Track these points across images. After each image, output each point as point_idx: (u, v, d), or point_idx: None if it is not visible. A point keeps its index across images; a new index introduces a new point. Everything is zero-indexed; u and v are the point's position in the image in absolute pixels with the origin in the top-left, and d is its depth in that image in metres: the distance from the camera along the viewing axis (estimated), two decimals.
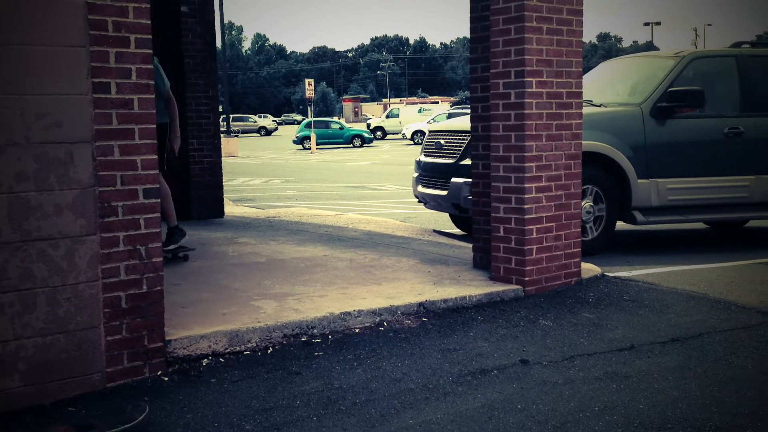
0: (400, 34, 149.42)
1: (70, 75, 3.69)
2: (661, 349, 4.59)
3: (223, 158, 10.35)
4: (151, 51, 3.93)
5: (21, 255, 3.61)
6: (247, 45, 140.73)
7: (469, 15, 6.26)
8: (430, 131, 9.39)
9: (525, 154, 5.60)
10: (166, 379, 4.05)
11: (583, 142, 6.08)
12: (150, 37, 3.91)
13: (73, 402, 3.72)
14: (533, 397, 3.84)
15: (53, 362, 3.71)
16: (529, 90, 5.57)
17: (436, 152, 8.79)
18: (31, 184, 3.62)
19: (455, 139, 8.48)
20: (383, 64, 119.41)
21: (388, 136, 50.79)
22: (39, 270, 3.66)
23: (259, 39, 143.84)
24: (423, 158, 9.11)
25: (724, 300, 5.72)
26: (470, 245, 6.73)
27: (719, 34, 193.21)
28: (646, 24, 72.89)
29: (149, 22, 3.91)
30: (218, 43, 28.25)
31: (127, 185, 3.91)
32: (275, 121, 75.80)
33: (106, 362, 3.88)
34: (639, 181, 7.59)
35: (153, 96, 3.97)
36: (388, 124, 51.59)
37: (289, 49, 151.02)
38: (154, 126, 4.00)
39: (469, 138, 7.40)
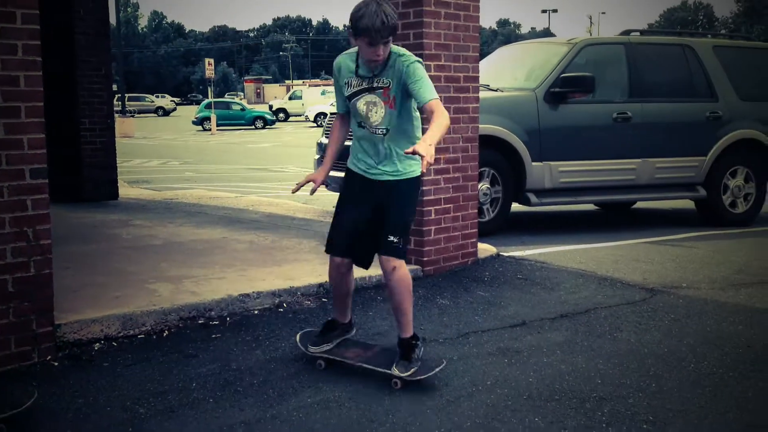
0: (302, 15, 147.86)
1: None
2: (551, 324, 4.78)
3: (118, 139, 10.04)
4: (38, 26, 3.77)
5: None
6: (143, 22, 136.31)
7: None
8: (331, 114, 9.38)
9: None
10: (56, 364, 3.94)
11: (480, 125, 6.22)
12: (37, 12, 3.76)
13: None
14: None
15: None
16: (428, 73, 5.63)
17: None
18: None
19: None
20: (286, 45, 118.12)
21: (291, 118, 50.36)
22: None
23: (156, 16, 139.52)
24: (324, 140, 9.09)
25: (610, 277, 5.99)
26: None
27: (613, 22, 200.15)
28: (544, 11, 74.87)
29: None
30: (113, 20, 27.19)
31: (13, 165, 3.76)
32: (173, 101, 73.83)
33: None
34: (533, 163, 7.83)
35: (40, 73, 3.82)
36: (291, 106, 51.14)
37: (188, 28, 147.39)
38: (42, 104, 3.85)
39: None
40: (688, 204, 9.49)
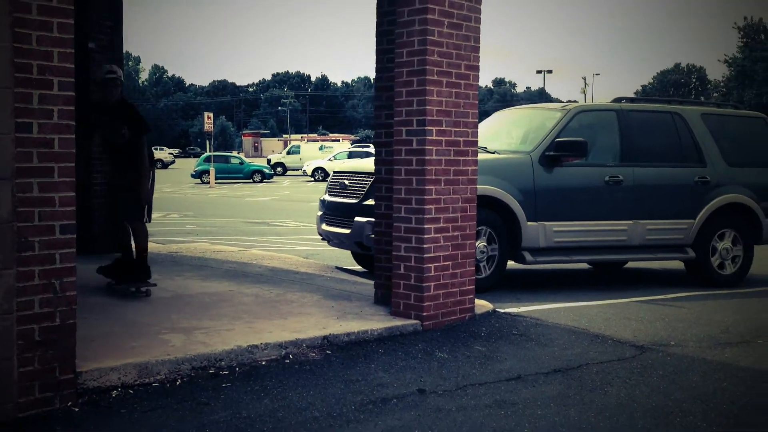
0: (302, 71, 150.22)
1: None
2: (545, 378, 5.02)
3: None
4: (73, 93, 4.10)
5: None
6: (144, 76, 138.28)
7: (375, 65, 6.66)
8: (334, 171, 9.72)
9: (425, 197, 5.99)
10: (76, 409, 4.16)
11: (478, 186, 6.54)
12: (72, 80, 4.09)
13: None
14: (429, 423, 4.16)
15: None
16: (430, 138, 5.98)
17: (340, 192, 9.12)
18: None
19: (359, 179, 8.84)
20: (284, 100, 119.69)
21: (289, 173, 50.88)
22: None
23: (157, 70, 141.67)
24: (327, 197, 9.42)
25: (602, 334, 6.24)
26: (372, 282, 7.06)
27: (607, 83, 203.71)
28: (539, 72, 76.26)
29: (73, 66, 4.08)
30: None
31: (45, 221, 4.03)
32: (172, 153, 74.57)
33: (18, 393, 3.96)
34: (528, 223, 8.13)
35: (73, 136, 4.12)
36: (289, 161, 51.70)
37: (188, 82, 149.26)
38: (73, 164, 4.15)
39: (372, 179, 7.76)
40: (678, 264, 9.77)
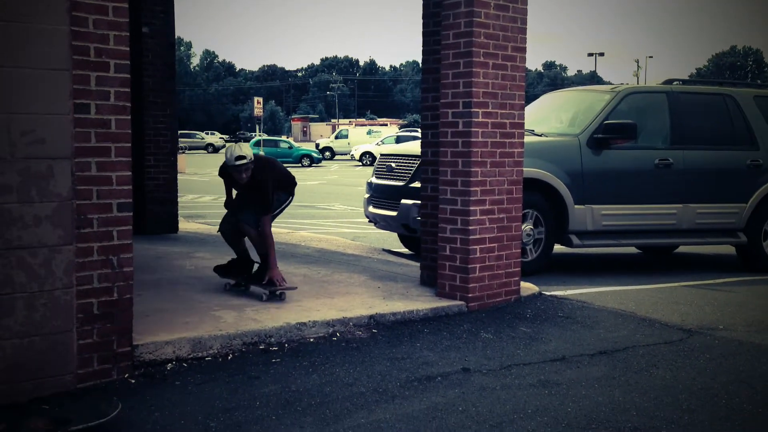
0: (350, 56, 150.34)
1: (54, 96, 3.98)
2: (590, 360, 5.04)
3: None
4: (128, 75, 4.24)
5: (2, 262, 3.86)
6: (195, 61, 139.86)
7: (421, 48, 6.69)
8: (381, 154, 9.80)
9: (471, 179, 6.03)
10: (133, 381, 4.33)
11: (524, 168, 6.55)
12: (128, 62, 4.23)
13: (47, 400, 3.97)
14: (473, 400, 4.23)
15: (29, 363, 3.96)
16: (476, 120, 6.01)
17: (387, 174, 9.20)
18: (13, 196, 3.89)
19: (405, 162, 8.91)
20: (333, 85, 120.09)
21: (337, 157, 51.17)
22: (18, 276, 3.92)
23: (208, 55, 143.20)
24: (374, 180, 9.51)
25: (649, 318, 6.22)
26: (418, 264, 7.13)
27: (660, 66, 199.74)
28: (590, 54, 75.04)
29: (128, 48, 4.22)
30: None
31: (103, 199, 4.19)
32: (223, 138, 75.48)
33: (78, 364, 4.14)
34: (575, 206, 8.11)
35: (129, 117, 4.27)
36: (337, 145, 51.98)
37: (238, 67, 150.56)
38: (129, 144, 4.30)
39: (418, 162, 7.82)
40: (729, 249, 9.64)
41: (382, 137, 46.53)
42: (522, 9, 6.24)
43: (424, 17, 6.65)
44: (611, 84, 10.88)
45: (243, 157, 5.93)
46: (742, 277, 8.39)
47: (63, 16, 3.99)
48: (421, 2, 6.66)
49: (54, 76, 3.97)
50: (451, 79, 6.11)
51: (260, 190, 6.06)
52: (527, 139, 7.30)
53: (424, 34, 6.67)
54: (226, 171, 6.19)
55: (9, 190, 3.87)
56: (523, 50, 6.31)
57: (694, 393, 4.45)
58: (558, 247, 8.54)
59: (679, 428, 3.91)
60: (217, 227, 6.73)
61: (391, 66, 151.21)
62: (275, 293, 5.99)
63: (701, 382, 4.64)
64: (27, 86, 3.89)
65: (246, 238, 6.45)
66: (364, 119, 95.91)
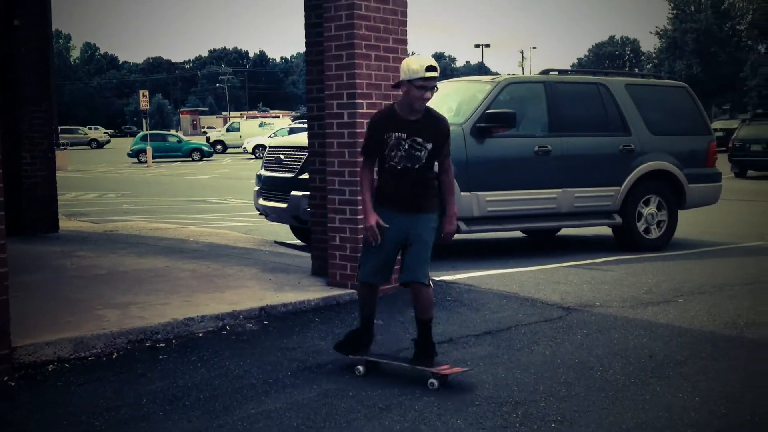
0: (239, 47, 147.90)
1: None
2: (475, 340, 5.22)
3: None
4: None
5: None
6: (76, 54, 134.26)
7: (304, 40, 6.71)
8: (270, 146, 9.76)
9: (357, 169, 6.09)
10: (12, 384, 4.18)
11: None
12: None
13: None
14: (362, 384, 4.32)
15: None
16: (361, 111, 6.09)
17: (276, 167, 9.17)
18: None
19: (294, 154, 8.90)
20: (222, 77, 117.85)
21: (229, 150, 50.33)
22: None
23: (89, 48, 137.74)
24: (264, 172, 9.45)
25: (531, 298, 6.48)
26: (309, 255, 7.16)
27: (544, 57, 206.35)
28: (477, 46, 76.79)
29: None
30: None
31: None
32: (107, 133, 72.90)
33: None
34: (462, 193, 8.31)
35: None
36: (229, 138, 51.11)
37: (121, 59, 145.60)
38: None
39: (307, 153, 7.83)
40: (607, 231, 10.12)
41: (274, 129, 46.09)
42: (402, 2, 6.36)
43: (306, 9, 6.67)
44: (498, 74, 11.19)
45: (434, 68, 4.26)
46: (618, 256, 8.83)
47: None
48: None
49: None
50: (334, 71, 6.15)
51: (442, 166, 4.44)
52: None
53: (307, 26, 6.69)
54: (377, 134, 4.34)
55: None
56: (405, 42, 6.42)
57: (571, 367, 4.68)
58: None
59: (556, 400, 4.11)
60: (105, 224, 6.48)
61: (282, 58, 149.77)
62: (445, 377, 4.32)
63: (578, 357, 4.89)
64: None
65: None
66: (256, 111, 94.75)
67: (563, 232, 10.82)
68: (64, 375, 4.34)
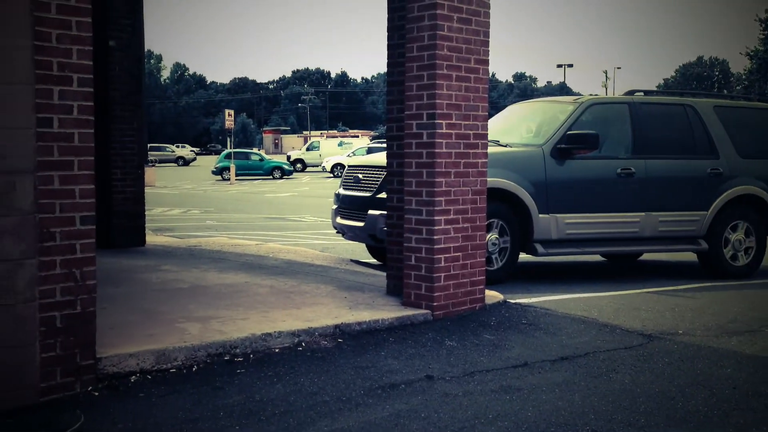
0: (321, 68, 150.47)
1: (16, 110, 4.00)
2: (551, 366, 5.13)
3: None
4: (92, 89, 4.26)
5: None
6: (166, 74, 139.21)
7: (386, 60, 6.78)
8: (349, 165, 9.87)
9: (435, 189, 6.11)
10: (96, 394, 4.33)
11: (489, 179, 6.65)
12: (91, 77, 4.25)
13: (10, 413, 3.96)
14: (435, 407, 4.29)
15: None
16: (440, 131, 6.10)
17: (354, 185, 9.27)
18: None
19: (372, 173, 8.98)
20: (304, 97, 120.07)
21: (308, 169, 51.17)
22: None
23: (179, 68, 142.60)
24: (342, 191, 9.57)
25: (611, 324, 6.34)
26: (384, 273, 7.19)
27: (628, 77, 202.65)
28: (560, 66, 75.88)
29: (91, 63, 4.25)
30: None
31: (66, 213, 4.21)
32: (193, 151, 75.17)
33: (41, 377, 4.14)
34: (540, 215, 8.23)
35: (92, 131, 4.29)
36: (309, 157, 51.98)
37: (209, 79, 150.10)
38: (93, 158, 4.32)
39: (385, 173, 7.89)
40: (691, 256, 9.82)
41: (353, 149, 46.64)
42: (484, 22, 6.36)
43: (389, 30, 6.74)
44: (581, 95, 11.07)
45: None
46: (703, 283, 8.56)
47: (27, 30, 4.01)
48: (387, 15, 6.75)
49: (17, 91, 3.99)
50: (415, 91, 6.20)
51: None
52: (492, 149, 7.41)
53: (389, 47, 6.76)
54: None
55: None
56: (486, 62, 6.42)
57: (651, 396, 4.55)
58: (523, 256, 8.65)
59: (635, 430, 4.00)
60: (188, 239, 6.64)
61: (362, 78, 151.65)
62: None
63: (659, 386, 4.74)
64: None
65: None
66: (335, 131, 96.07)
67: (645, 256, 10.56)
68: (146, 386, 4.47)
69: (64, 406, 4.13)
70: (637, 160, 8.77)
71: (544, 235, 8.30)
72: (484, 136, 6.49)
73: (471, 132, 6.35)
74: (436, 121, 6.08)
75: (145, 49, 10.15)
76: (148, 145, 48.25)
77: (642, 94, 9.55)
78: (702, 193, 8.96)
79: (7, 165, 3.98)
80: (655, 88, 12.28)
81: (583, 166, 8.53)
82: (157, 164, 52.23)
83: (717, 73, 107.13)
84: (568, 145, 8.41)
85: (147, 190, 10.59)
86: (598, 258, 10.54)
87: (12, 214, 4.00)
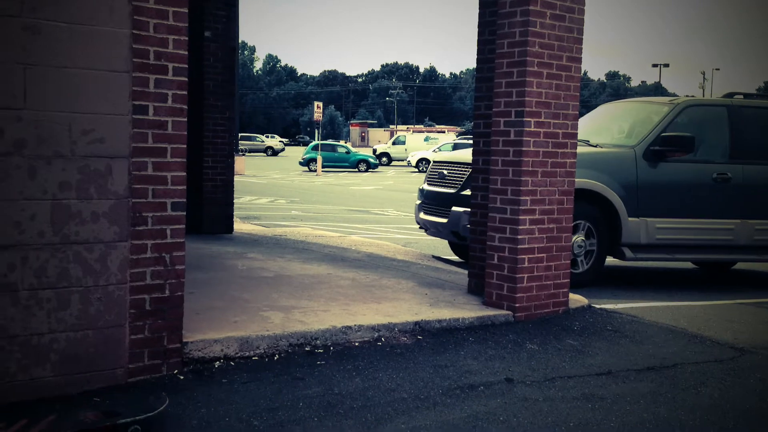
0: (410, 62, 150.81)
1: (114, 97, 4.13)
2: (636, 375, 4.97)
3: None
4: (186, 79, 4.36)
5: (60, 256, 4.01)
6: (258, 65, 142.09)
7: (476, 56, 6.70)
8: (434, 161, 9.83)
9: (521, 188, 6.01)
10: (181, 377, 4.44)
11: (578, 179, 6.49)
12: (186, 66, 4.35)
13: (98, 393, 4.10)
14: (514, 411, 4.22)
15: (82, 356, 4.10)
16: (528, 129, 5.99)
17: (438, 181, 9.22)
18: (72, 192, 4.04)
19: (457, 170, 8.91)
20: (392, 91, 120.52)
21: (394, 163, 51.30)
22: (75, 270, 4.06)
23: (271, 60, 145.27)
24: (426, 187, 9.53)
25: (701, 335, 6.10)
26: (466, 272, 7.13)
27: (727, 79, 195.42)
28: (655, 65, 73.74)
29: (186, 52, 4.34)
30: None
31: (158, 198, 4.32)
32: (282, 141, 76.45)
33: (129, 358, 4.27)
34: (629, 219, 7.99)
35: (185, 119, 4.39)
36: (394, 151, 52.11)
37: (299, 71, 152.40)
38: (185, 146, 4.42)
39: (470, 170, 7.81)
40: None
41: (439, 144, 46.48)
42: (579, 19, 6.21)
43: (479, 26, 6.66)
44: (676, 96, 10.70)
45: None
46: None
47: (125, 19, 4.13)
48: (478, 10, 6.67)
49: (114, 78, 4.12)
50: (504, 87, 6.10)
51: None
52: (582, 149, 7.24)
53: (479, 42, 6.68)
54: None
55: (68, 186, 4.02)
56: (579, 60, 6.26)
57: (741, 413, 4.35)
58: (610, 260, 8.43)
59: None
60: (274, 228, 6.69)
61: (451, 73, 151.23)
62: None
63: (750, 403, 4.54)
64: (89, 87, 4.04)
65: None
66: (422, 126, 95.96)
67: (738, 266, 10.14)
68: (229, 372, 4.56)
69: (150, 387, 4.25)
70: (734, 165, 8.41)
71: (633, 239, 8.06)
72: (574, 136, 6.34)
73: (560, 131, 6.22)
74: (525, 119, 5.98)
75: (239, 41, 10.35)
76: (239, 134, 49.45)
77: (741, 96, 9.16)
78: None
79: (105, 149, 4.11)
80: (754, 91, 11.76)
81: (676, 169, 8.24)
82: (246, 153, 53.34)
83: None
84: (662, 147, 8.13)
85: (236, 178, 10.81)
86: (688, 265, 10.18)
87: (107, 198, 4.13)
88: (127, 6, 4.13)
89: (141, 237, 4.26)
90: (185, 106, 4.38)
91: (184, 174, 4.42)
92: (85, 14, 4.02)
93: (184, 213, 4.45)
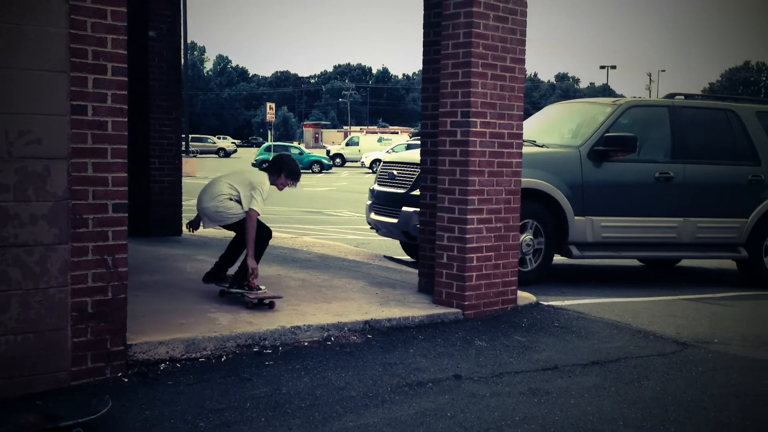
0: (363, 63, 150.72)
1: (51, 97, 4.05)
2: (582, 370, 5.05)
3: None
4: (125, 78, 4.30)
5: None
6: (209, 66, 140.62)
7: (422, 57, 6.75)
8: (384, 162, 9.86)
9: (468, 188, 6.06)
10: (126, 380, 4.38)
11: (525, 179, 6.57)
12: (125, 66, 4.29)
13: (40, 396, 4.02)
14: (462, 407, 4.26)
15: (23, 359, 4.02)
16: (474, 129, 6.05)
17: (389, 182, 9.25)
18: (10, 194, 3.96)
19: (407, 170, 8.95)
20: (345, 92, 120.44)
21: (347, 164, 51.24)
22: (14, 273, 3.98)
23: (222, 60, 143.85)
24: (377, 187, 9.56)
25: (645, 330, 6.23)
26: (417, 271, 7.16)
27: (672, 80, 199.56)
28: (602, 67, 74.97)
29: (125, 52, 4.29)
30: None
31: (99, 200, 4.26)
32: (234, 143, 75.73)
33: (72, 362, 4.19)
34: (575, 217, 8.12)
35: (126, 119, 4.33)
36: (348, 152, 52.07)
37: (251, 72, 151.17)
38: (126, 146, 4.36)
39: (419, 170, 7.86)
40: (730, 264, 9.62)
41: (392, 145, 46.59)
42: (521, 21, 6.29)
43: (425, 27, 6.71)
44: (623, 97, 10.89)
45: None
46: (741, 291, 8.38)
47: (62, 19, 4.06)
48: (422, 12, 6.72)
49: (52, 78, 4.04)
50: (450, 88, 6.15)
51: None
52: (528, 149, 7.33)
53: (425, 44, 6.72)
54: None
55: (6, 188, 3.94)
56: (522, 62, 6.35)
57: (683, 405, 4.46)
58: (558, 258, 8.55)
59: None
60: (222, 230, 6.66)
61: (404, 74, 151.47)
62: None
63: (691, 395, 4.65)
64: (25, 87, 3.97)
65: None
66: (375, 127, 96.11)
67: (683, 262, 10.38)
68: (174, 374, 4.51)
69: (93, 390, 4.18)
70: (676, 165, 8.61)
71: (580, 238, 8.19)
72: (519, 136, 6.42)
73: (505, 131, 6.29)
74: (471, 119, 6.03)
75: (189, 41, 10.24)
76: (190, 136, 48.82)
77: (683, 97, 9.37)
78: (742, 200, 8.76)
79: (42, 150, 4.03)
80: (698, 92, 12.05)
81: (620, 168, 8.39)
82: (198, 155, 52.71)
83: (764, 78, 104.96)
84: (606, 147, 8.28)
85: (187, 180, 10.69)
86: (634, 263, 10.38)
87: (46, 199, 4.06)
88: (64, 5, 4.06)
89: (82, 239, 4.20)
90: (125, 106, 4.33)
91: (126, 175, 4.36)
92: (20, 13, 3.94)
93: (126, 215, 4.39)
